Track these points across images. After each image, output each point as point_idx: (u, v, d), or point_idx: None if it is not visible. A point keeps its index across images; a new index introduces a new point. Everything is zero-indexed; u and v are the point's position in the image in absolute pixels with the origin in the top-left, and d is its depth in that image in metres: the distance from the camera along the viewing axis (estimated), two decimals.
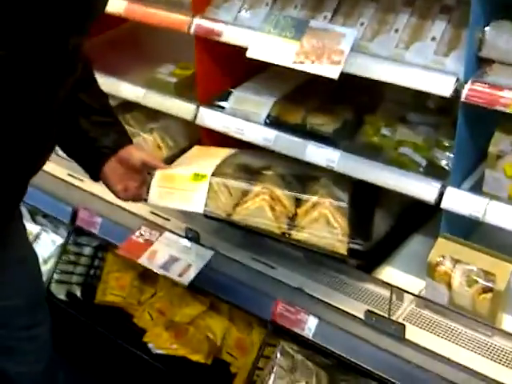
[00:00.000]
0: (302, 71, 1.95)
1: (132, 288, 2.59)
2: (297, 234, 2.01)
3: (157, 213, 2.49)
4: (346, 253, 1.97)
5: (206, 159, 2.15)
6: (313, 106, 2.24)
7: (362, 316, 2.00)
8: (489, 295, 1.88)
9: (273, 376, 2.07)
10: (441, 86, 1.78)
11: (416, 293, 2.05)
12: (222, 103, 2.34)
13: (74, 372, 2.52)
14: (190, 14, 2.25)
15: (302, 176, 2.16)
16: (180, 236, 2.36)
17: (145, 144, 2.59)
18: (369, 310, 1.99)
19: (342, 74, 1.88)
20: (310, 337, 2.03)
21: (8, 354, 2.07)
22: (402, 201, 2.19)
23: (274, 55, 1.99)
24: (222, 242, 2.34)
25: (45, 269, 2.62)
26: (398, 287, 2.03)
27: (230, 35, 2.15)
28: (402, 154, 2.03)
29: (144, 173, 2.00)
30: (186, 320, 2.41)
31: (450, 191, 1.90)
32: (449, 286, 1.94)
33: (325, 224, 1.99)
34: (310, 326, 2.03)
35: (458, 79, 1.76)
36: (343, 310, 2.06)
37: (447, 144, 2.01)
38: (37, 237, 2.69)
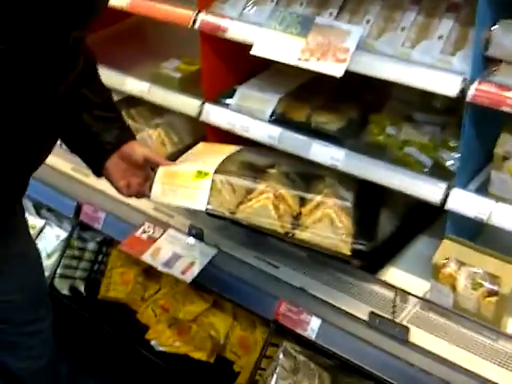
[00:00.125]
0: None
1: (136, 284, 2.59)
2: (300, 234, 1.99)
3: (161, 209, 2.48)
4: (349, 253, 1.95)
5: (210, 156, 2.14)
6: (318, 103, 2.22)
7: (365, 318, 1.98)
8: (494, 299, 1.86)
9: (275, 377, 2.06)
10: (447, 85, 1.75)
11: (421, 295, 2.03)
12: (227, 100, 2.31)
13: (77, 367, 2.51)
14: (195, 9, 2.23)
15: (307, 174, 2.14)
16: (183, 233, 2.35)
17: (149, 139, 2.58)
18: (373, 312, 1.97)
19: (347, 73, 1.86)
20: (313, 338, 2.02)
21: (10, 349, 2.07)
22: (408, 201, 2.15)
23: (279, 52, 1.97)
24: (225, 240, 2.33)
25: (48, 263, 2.62)
26: (402, 289, 2.01)
27: (236, 31, 2.13)
28: (407, 154, 2.01)
29: (147, 169, 1.99)
30: (190, 317, 2.40)
31: (456, 192, 1.87)
32: (453, 288, 1.92)
33: (328, 224, 1.97)
34: (312, 327, 2.02)
35: (464, 79, 1.74)
36: (347, 312, 2.04)
37: (453, 144, 1.99)
38: (41, 231, 2.70)
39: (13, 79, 1.43)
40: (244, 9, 2.18)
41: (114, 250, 2.62)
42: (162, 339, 2.42)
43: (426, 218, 2.25)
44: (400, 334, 1.91)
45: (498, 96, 1.68)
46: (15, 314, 2.00)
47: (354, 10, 2.02)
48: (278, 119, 2.20)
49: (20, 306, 2.00)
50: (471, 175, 1.97)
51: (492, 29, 1.70)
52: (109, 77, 2.37)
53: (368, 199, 2.09)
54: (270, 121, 2.21)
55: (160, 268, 2.26)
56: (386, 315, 1.97)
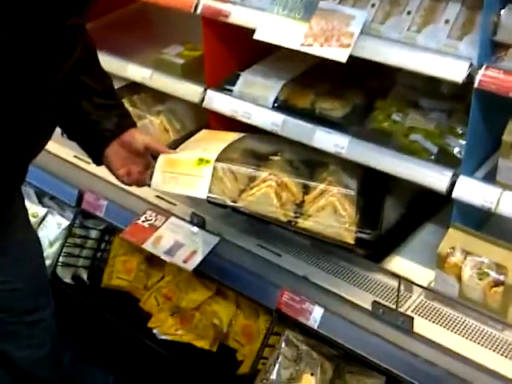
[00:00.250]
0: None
1: (139, 272, 2.57)
2: (303, 222, 1.96)
3: (163, 197, 2.47)
4: (352, 242, 1.92)
5: (212, 143, 2.11)
6: (322, 90, 2.19)
7: (369, 307, 1.96)
8: (500, 289, 1.83)
9: (277, 366, 2.04)
10: (453, 71, 1.71)
11: (425, 284, 2.00)
12: (230, 86, 2.28)
13: (80, 355, 2.51)
14: None
15: (311, 162, 2.12)
16: (186, 221, 2.33)
17: (151, 126, 2.56)
18: (376, 302, 1.95)
19: (352, 58, 1.83)
20: (315, 327, 2.00)
21: (10, 338, 2.07)
22: (414, 188, 2.13)
23: (282, 37, 1.94)
24: (228, 228, 2.31)
25: (50, 252, 2.62)
26: (406, 278, 1.99)
27: (238, 16, 2.09)
28: (412, 141, 1.98)
29: (147, 157, 1.97)
30: (193, 305, 2.39)
31: (462, 180, 1.84)
32: (459, 278, 1.89)
33: (332, 212, 1.94)
34: (315, 316, 2.00)
35: (471, 64, 1.70)
36: (350, 301, 2.02)
37: (460, 131, 1.95)
38: (43, 219, 2.68)
39: (8, 66, 1.40)
40: None
41: (117, 238, 2.61)
42: (164, 328, 2.41)
43: (432, 207, 2.22)
44: (404, 323, 1.89)
45: (506, 82, 1.65)
46: (15, 303, 2.00)
47: None
48: (281, 106, 2.17)
49: (20, 294, 1.99)
50: (478, 163, 1.93)
51: (500, 13, 1.66)
52: (111, 63, 2.36)
53: (372, 187, 2.06)
54: (273, 107, 2.18)
55: (162, 256, 2.24)
56: (390, 305, 1.95)
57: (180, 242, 2.26)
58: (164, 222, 2.34)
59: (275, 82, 2.22)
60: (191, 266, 2.19)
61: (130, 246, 2.54)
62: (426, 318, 1.95)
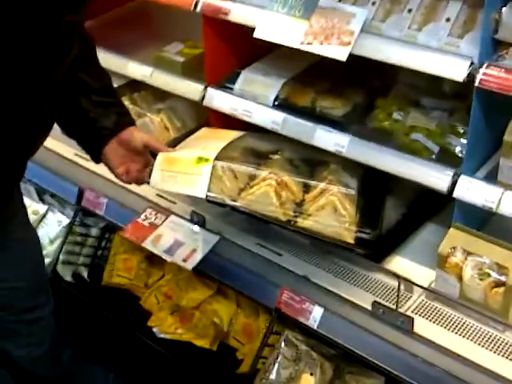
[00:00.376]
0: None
1: (139, 270, 2.57)
2: (303, 222, 1.95)
3: (163, 195, 2.46)
4: (352, 242, 1.91)
5: (212, 142, 2.10)
6: (323, 88, 2.18)
7: (369, 307, 1.95)
8: (501, 289, 1.82)
9: (276, 365, 2.04)
10: (454, 69, 1.70)
11: (426, 284, 1.99)
12: (230, 84, 2.28)
13: (79, 353, 2.50)
14: None
15: (311, 160, 2.11)
16: (186, 220, 2.32)
17: (152, 125, 2.55)
18: (376, 302, 1.93)
19: (352, 56, 1.82)
20: (315, 327, 1.99)
21: (10, 337, 2.08)
22: (415, 188, 2.12)
23: (282, 36, 1.93)
24: (227, 227, 2.30)
25: (51, 249, 2.61)
26: (406, 278, 1.97)
27: (238, 14, 2.08)
28: (413, 140, 1.97)
29: (146, 155, 1.96)
30: (193, 304, 2.38)
31: (464, 180, 1.83)
32: (460, 278, 1.88)
33: (332, 211, 1.93)
34: (315, 316, 1.99)
35: (472, 63, 1.69)
36: (350, 301, 2.01)
37: (462, 130, 1.94)
38: (43, 216, 2.67)
39: (5, 63, 1.40)
40: None
41: (117, 236, 2.60)
42: (164, 326, 2.40)
43: (433, 206, 2.21)
44: (404, 324, 1.88)
45: (508, 81, 1.63)
46: (14, 301, 2.00)
47: None
48: (281, 104, 2.17)
49: (19, 293, 2.00)
50: (479, 162, 1.92)
51: (502, 10, 1.65)
52: (111, 61, 2.36)
53: (373, 186, 2.05)
54: (273, 106, 2.17)
55: (162, 255, 2.23)
56: (390, 305, 1.93)
57: (180, 241, 2.25)
58: (164, 221, 2.33)
59: (275, 81, 2.21)
60: (191, 264, 2.18)
61: (131, 244, 2.53)
62: (427, 319, 1.93)
